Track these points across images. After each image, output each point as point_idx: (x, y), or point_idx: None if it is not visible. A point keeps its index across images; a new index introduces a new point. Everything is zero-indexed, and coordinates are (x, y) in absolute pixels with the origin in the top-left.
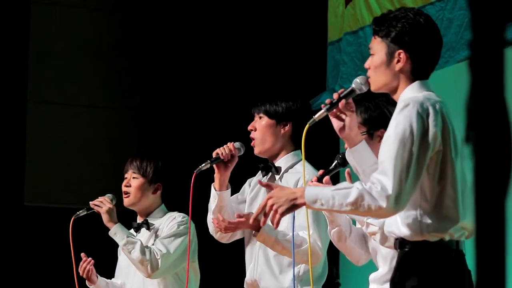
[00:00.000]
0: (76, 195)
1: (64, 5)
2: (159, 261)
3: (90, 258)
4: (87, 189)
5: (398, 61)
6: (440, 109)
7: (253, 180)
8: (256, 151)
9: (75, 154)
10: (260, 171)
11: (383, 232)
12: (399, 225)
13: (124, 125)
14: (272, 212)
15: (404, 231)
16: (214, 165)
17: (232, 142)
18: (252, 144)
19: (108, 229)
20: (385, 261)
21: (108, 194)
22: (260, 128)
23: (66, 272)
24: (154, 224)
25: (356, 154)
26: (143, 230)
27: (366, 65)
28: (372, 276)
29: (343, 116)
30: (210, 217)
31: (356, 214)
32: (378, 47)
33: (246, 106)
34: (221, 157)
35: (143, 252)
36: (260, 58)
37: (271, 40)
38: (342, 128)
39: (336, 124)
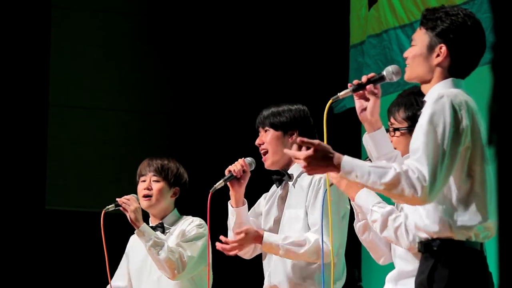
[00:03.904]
0: (97, 199)
1: (85, 9)
2: (185, 262)
3: None
4: (109, 193)
5: (438, 55)
6: (472, 107)
7: (268, 195)
8: (267, 164)
9: (97, 157)
10: (274, 184)
11: (383, 220)
12: (423, 219)
13: (145, 129)
14: (305, 160)
15: (431, 226)
16: (228, 183)
17: (243, 158)
18: (263, 159)
19: (130, 229)
20: (402, 261)
21: (133, 194)
22: (268, 141)
23: (87, 274)
24: (169, 228)
25: (373, 140)
26: (157, 233)
27: (405, 54)
28: (389, 276)
29: (365, 102)
30: (230, 235)
31: (387, 195)
32: (420, 38)
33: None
34: (234, 174)
35: (171, 253)
36: (282, 61)
37: (294, 44)
38: (364, 111)
39: (358, 105)
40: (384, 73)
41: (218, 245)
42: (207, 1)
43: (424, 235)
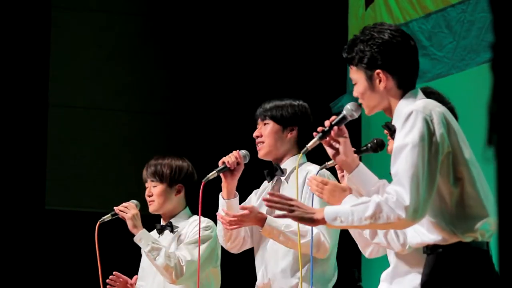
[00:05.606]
0: (97, 199)
1: (85, 10)
2: (184, 267)
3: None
4: (108, 193)
5: (380, 81)
6: (442, 112)
7: (259, 191)
8: (261, 153)
9: (96, 158)
10: (266, 179)
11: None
12: (425, 233)
13: (145, 129)
14: (287, 211)
15: (436, 238)
16: (221, 174)
17: (238, 150)
18: (257, 148)
19: (132, 234)
20: (396, 258)
21: (133, 200)
22: (266, 134)
23: (87, 275)
24: (178, 227)
25: (356, 178)
26: (167, 232)
27: (354, 94)
28: (383, 275)
29: (336, 145)
30: (219, 228)
31: (377, 228)
32: (357, 75)
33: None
34: (227, 166)
35: (168, 259)
36: (281, 61)
37: (292, 43)
38: (337, 155)
39: (330, 151)
40: (345, 112)
41: (219, 215)
42: (207, 1)
43: (430, 242)
